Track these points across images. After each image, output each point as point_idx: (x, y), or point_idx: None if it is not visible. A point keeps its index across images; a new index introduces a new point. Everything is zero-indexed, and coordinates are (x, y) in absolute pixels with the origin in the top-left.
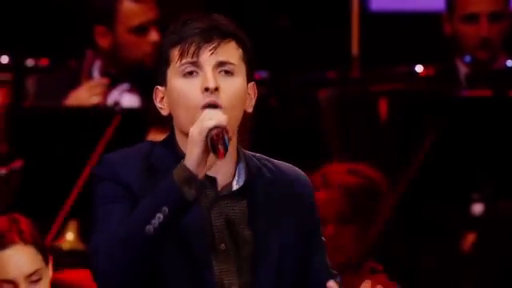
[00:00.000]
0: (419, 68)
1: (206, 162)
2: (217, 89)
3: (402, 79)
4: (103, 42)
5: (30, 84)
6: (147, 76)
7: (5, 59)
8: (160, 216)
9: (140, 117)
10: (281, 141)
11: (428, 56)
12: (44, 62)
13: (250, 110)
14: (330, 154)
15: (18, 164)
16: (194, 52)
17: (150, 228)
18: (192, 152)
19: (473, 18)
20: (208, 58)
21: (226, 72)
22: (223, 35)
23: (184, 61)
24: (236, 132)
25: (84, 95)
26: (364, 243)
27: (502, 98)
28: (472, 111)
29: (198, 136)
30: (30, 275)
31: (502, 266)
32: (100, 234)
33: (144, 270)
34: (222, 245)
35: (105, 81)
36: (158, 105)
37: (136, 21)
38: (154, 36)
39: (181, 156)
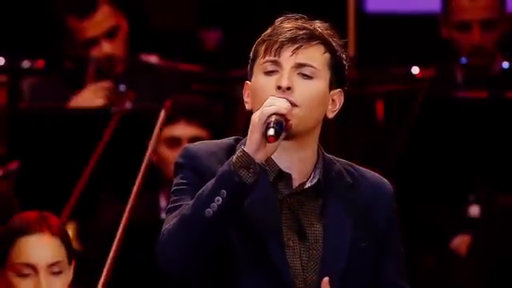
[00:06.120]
0: (415, 69)
1: (264, 147)
2: (289, 88)
3: (399, 80)
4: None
5: (26, 86)
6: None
7: (1, 61)
8: (219, 199)
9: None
10: None
11: (424, 57)
12: (40, 63)
13: (330, 116)
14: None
15: (13, 165)
16: (276, 50)
17: (209, 211)
18: (251, 137)
19: (465, 26)
20: (288, 58)
21: (304, 75)
22: (310, 38)
23: (266, 58)
24: (316, 135)
25: (89, 97)
26: None
27: (497, 99)
28: (468, 112)
29: (258, 122)
30: (52, 265)
31: (498, 266)
32: (169, 220)
33: (203, 254)
34: (290, 241)
35: (109, 84)
36: (245, 99)
37: (83, 36)
38: (105, 48)
39: None
